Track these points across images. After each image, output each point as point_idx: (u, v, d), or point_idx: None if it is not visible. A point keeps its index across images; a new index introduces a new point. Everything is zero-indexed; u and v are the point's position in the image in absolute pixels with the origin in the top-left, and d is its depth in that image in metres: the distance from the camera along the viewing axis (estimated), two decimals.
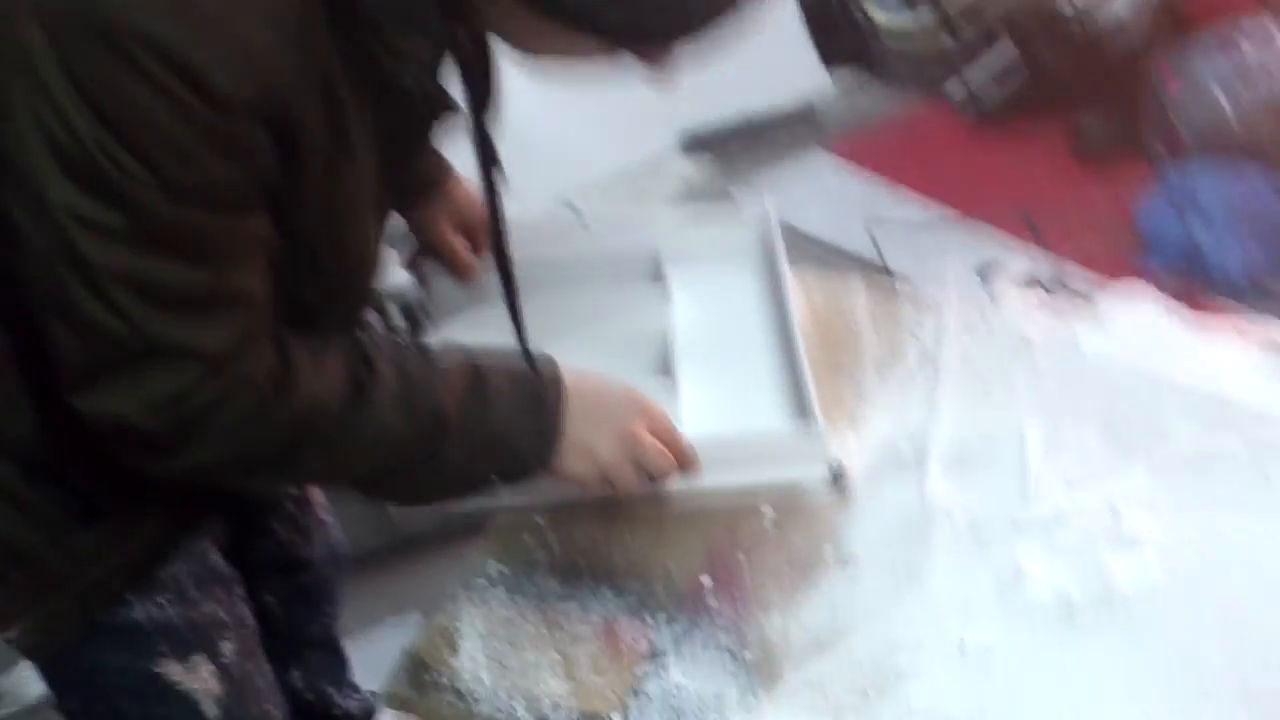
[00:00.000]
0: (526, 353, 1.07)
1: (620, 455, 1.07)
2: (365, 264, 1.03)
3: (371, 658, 2.03)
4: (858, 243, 2.98)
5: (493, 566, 1.12)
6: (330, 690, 1.61)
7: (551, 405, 1.04)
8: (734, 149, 3.54)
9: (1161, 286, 1.46)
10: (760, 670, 1.01)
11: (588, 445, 1.06)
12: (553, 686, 1.02)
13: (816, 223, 1.40)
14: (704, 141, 3.53)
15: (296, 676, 1.55)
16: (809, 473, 1.19)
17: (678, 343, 1.26)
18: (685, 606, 1.07)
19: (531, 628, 1.07)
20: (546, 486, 1.11)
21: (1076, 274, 2.71)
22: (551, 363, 1.07)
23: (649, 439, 1.08)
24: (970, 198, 3.15)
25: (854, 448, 1.22)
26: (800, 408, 1.24)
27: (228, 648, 1.18)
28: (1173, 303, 1.40)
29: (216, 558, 1.18)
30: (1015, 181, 3.23)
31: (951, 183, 3.23)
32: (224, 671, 1.17)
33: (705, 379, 1.26)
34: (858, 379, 1.32)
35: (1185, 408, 1.25)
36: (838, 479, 1.18)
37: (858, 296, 1.45)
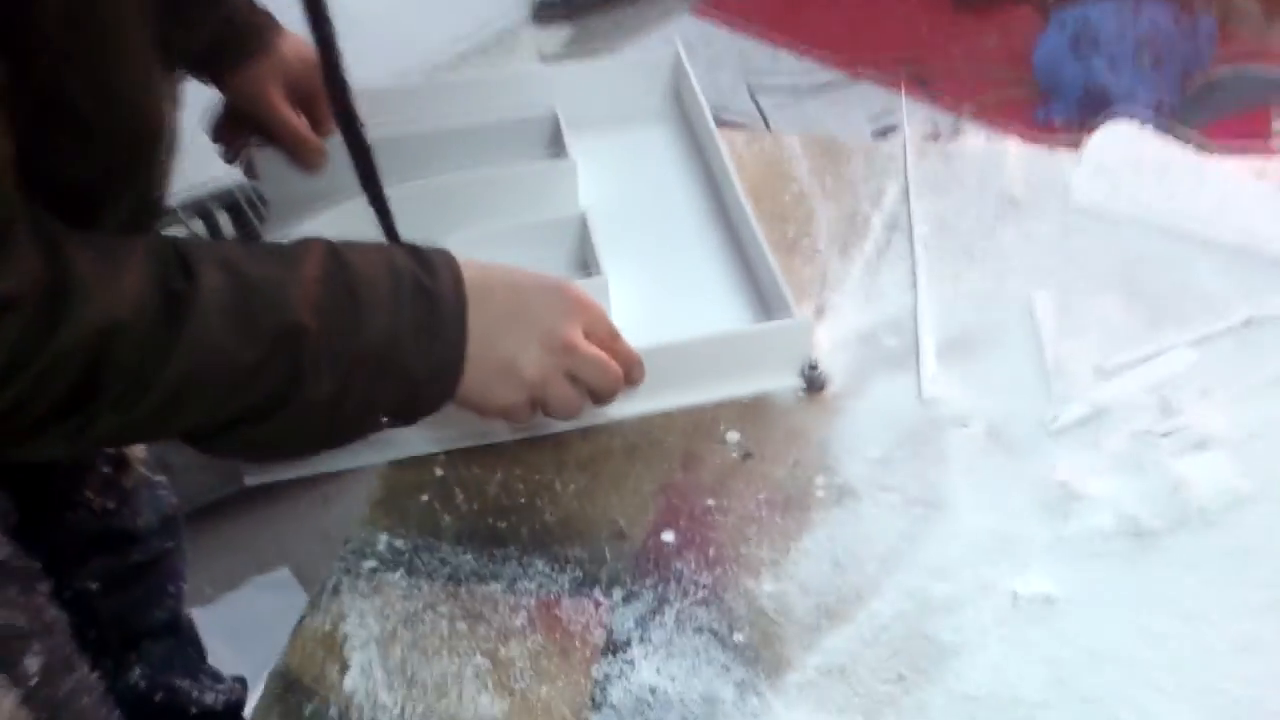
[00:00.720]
0: (404, 247, 0.78)
1: (552, 370, 0.79)
2: (150, 125, 0.72)
3: (236, 627, 1.75)
4: (738, 110, 2.74)
5: (383, 541, 0.84)
6: (183, 685, 1.31)
7: (449, 304, 0.75)
8: (591, 15, 3.24)
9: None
10: (760, 657, 0.76)
11: (506, 359, 0.78)
12: (483, 705, 0.75)
13: None
14: (558, 8, 3.22)
15: (138, 675, 1.25)
16: (778, 381, 0.93)
17: (596, 229, 0.98)
18: (646, 575, 0.81)
19: (445, 622, 0.79)
20: (451, 422, 0.84)
21: (977, 130, 2.51)
22: (443, 252, 0.78)
23: (587, 346, 0.81)
24: (852, 55, 2.91)
25: (827, 345, 0.97)
26: (761, 299, 0.98)
27: (33, 663, 0.88)
28: (1172, 141, 1.16)
29: (6, 548, 0.87)
30: (898, 36, 3.01)
31: (830, 40, 2.99)
32: (31, 694, 0.88)
33: (637, 271, 0.99)
34: (816, 259, 1.06)
35: (1219, 268, 1.03)
36: (814, 386, 0.93)
37: (797, 158, 1.18)
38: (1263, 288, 1.00)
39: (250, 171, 1.09)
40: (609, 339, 0.82)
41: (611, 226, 0.99)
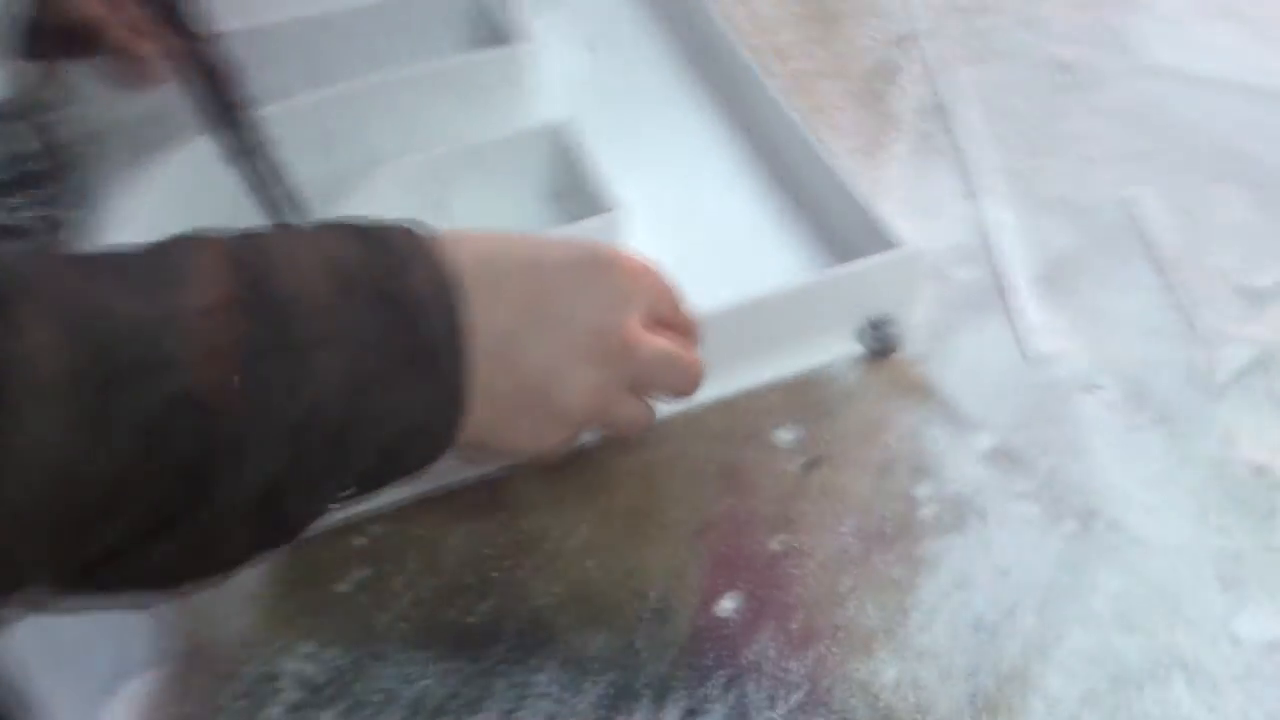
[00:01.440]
0: (340, 227, 0.47)
1: (612, 387, 0.51)
2: None
3: (64, 641, 1.44)
4: None
5: (293, 665, 0.55)
6: None
7: (434, 313, 0.45)
8: None
9: None
10: None
11: (538, 384, 0.49)
12: None
13: None
14: None
15: None
16: (833, 349, 0.66)
17: (587, 145, 0.68)
18: (709, 675, 0.54)
19: None
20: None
21: None
22: (405, 229, 0.47)
23: (652, 341, 0.52)
24: None
25: None
26: (817, 223, 0.70)
27: None
28: None
29: None
30: None
31: None
32: None
33: (643, 202, 0.69)
34: None
35: None
36: (884, 350, 0.66)
37: (777, 21, 0.90)
38: None
39: (42, 103, 0.75)
40: (673, 314, 0.54)
41: (596, 140, 0.69)
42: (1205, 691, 0.53)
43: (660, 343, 0.52)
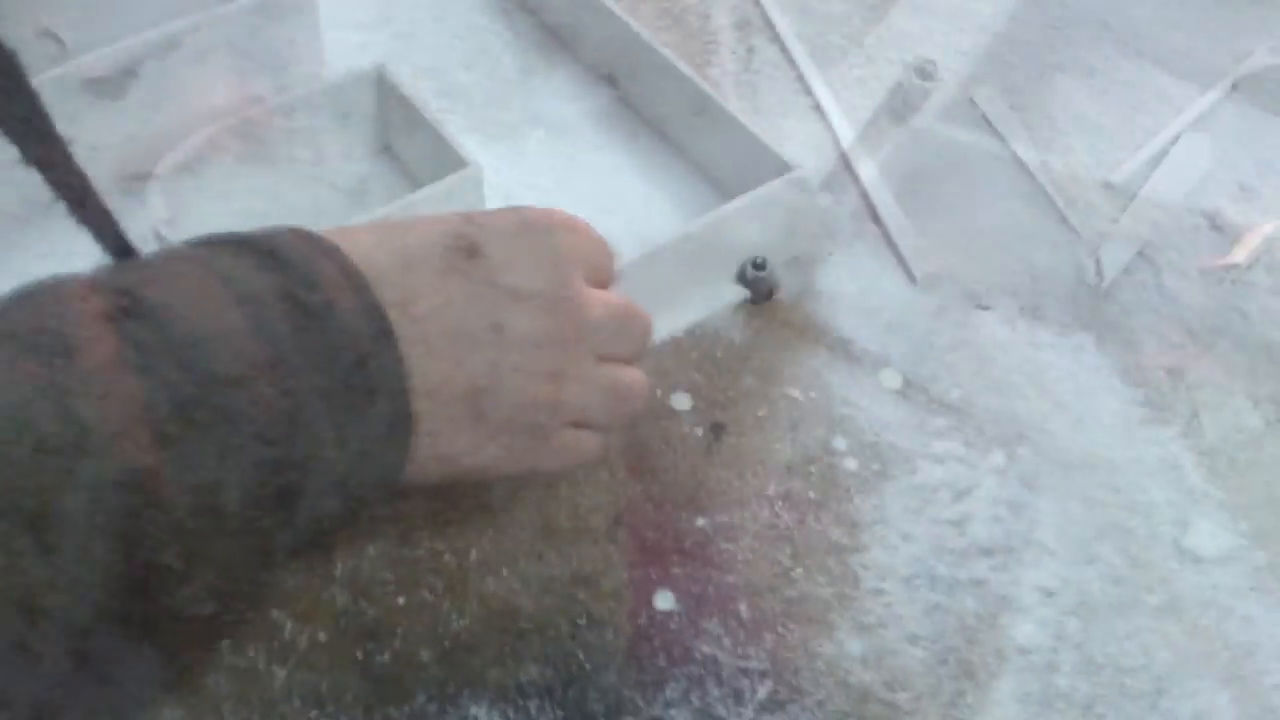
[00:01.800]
0: (218, 244, 0.38)
1: (579, 358, 0.43)
2: None
3: None
4: None
5: None
6: None
7: (354, 324, 0.36)
8: None
9: None
10: None
11: (513, 377, 0.41)
12: None
13: None
14: None
15: None
16: (714, 300, 0.60)
17: (410, 89, 0.59)
18: (665, 683, 0.48)
19: None
20: None
21: None
22: (291, 233, 0.38)
23: (599, 297, 0.44)
24: None
25: None
26: (686, 159, 0.64)
27: None
28: None
29: None
30: None
31: None
32: None
33: (485, 151, 0.60)
34: None
35: (1166, 19, 0.78)
36: (763, 293, 0.61)
37: None
38: (1229, 32, 0.76)
39: None
40: (609, 271, 0.46)
41: (421, 84, 0.60)
42: (1170, 615, 0.51)
43: (609, 300, 0.45)
